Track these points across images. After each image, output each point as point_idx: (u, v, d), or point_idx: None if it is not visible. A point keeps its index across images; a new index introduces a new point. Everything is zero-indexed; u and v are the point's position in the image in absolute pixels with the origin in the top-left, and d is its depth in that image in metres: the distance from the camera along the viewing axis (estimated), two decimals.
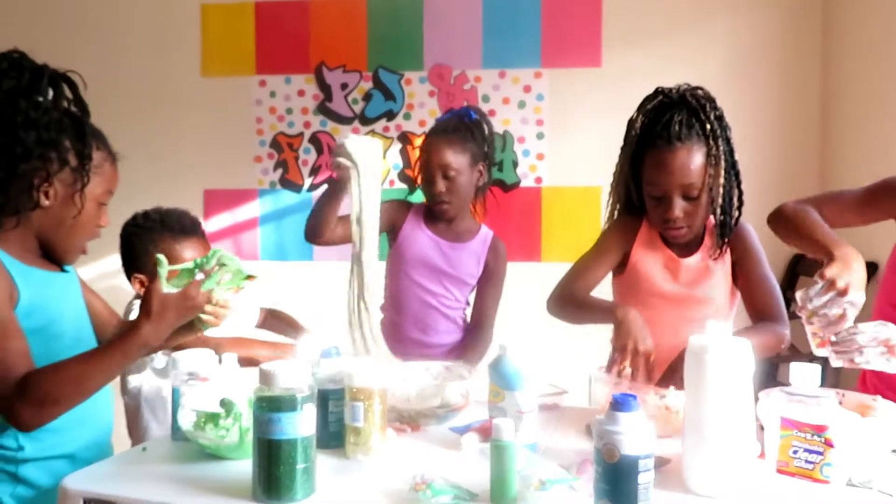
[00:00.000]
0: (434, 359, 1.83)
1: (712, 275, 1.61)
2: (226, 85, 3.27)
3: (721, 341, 1.08)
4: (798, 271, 2.94)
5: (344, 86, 3.20)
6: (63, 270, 1.42)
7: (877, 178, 1.67)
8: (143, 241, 1.78)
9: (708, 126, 1.52)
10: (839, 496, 1.08)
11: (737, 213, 1.59)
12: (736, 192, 1.57)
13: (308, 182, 3.23)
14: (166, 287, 1.26)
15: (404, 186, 3.18)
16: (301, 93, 3.22)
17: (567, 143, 3.11)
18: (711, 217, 1.59)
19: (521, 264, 3.12)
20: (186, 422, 1.26)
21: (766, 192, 3.02)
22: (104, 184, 1.36)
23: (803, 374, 1.17)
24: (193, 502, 1.08)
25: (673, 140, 1.51)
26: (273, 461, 1.04)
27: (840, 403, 1.34)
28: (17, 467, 1.29)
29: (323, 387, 1.28)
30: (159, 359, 1.95)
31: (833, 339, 1.29)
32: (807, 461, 1.11)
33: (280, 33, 3.22)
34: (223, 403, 1.25)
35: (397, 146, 3.18)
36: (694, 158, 1.51)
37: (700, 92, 1.56)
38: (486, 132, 1.96)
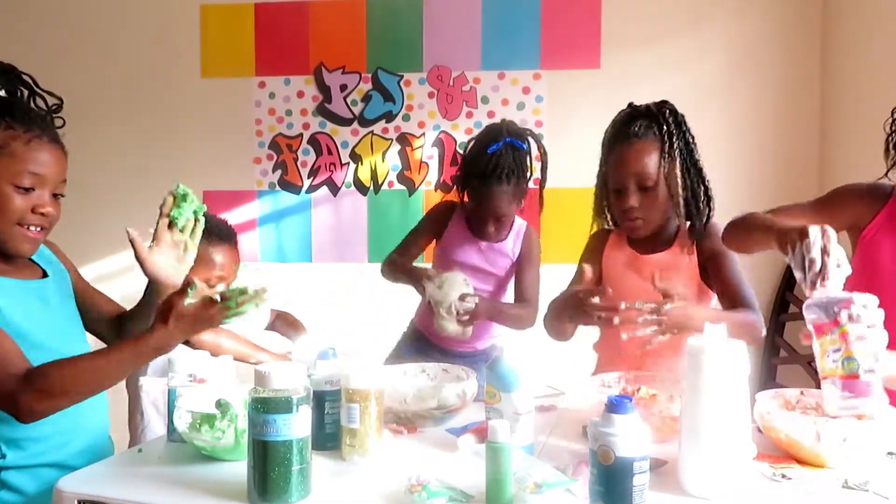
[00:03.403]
0: (474, 352, 2.10)
1: (678, 272, 1.66)
2: (225, 86, 3.27)
3: (717, 343, 1.08)
4: None
5: (343, 87, 3.20)
6: (45, 275, 1.41)
7: (876, 179, 1.67)
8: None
9: (665, 127, 1.64)
10: (836, 498, 1.08)
11: (706, 211, 1.67)
12: (701, 190, 1.67)
13: (307, 183, 3.23)
14: (187, 301, 1.26)
15: (403, 188, 3.18)
16: (300, 94, 3.22)
17: (566, 144, 3.10)
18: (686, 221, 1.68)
19: None
20: (182, 423, 1.26)
21: (765, 193, 3.03)
22: (13, 164, 1.25)
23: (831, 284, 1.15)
24: None
25: (631, 137, 1.65)
26: (268, 463, 1.04)
27: None
28: (0, 473, 1.28)
29: (319, 388, 1.28)
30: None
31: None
32: (833, 361, 1.11)
33: (279, 35, 3.22)
34: (219, 405, 1.25)
35: (396, 147, 3.18)
36: (648, 152, 1.63)
37: (664, 104, 1.69)
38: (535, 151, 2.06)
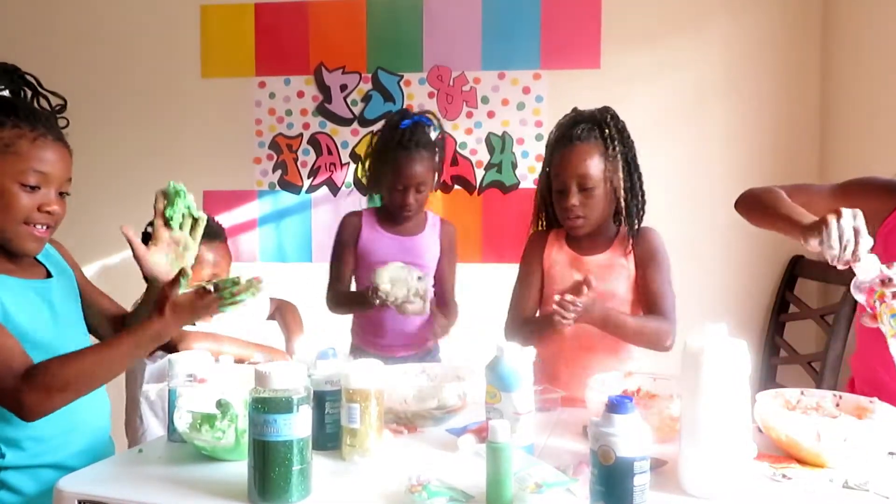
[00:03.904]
0: (415, 346, 2.14)
1: (616, 272, 1.76)
2: (225, 86, 3.26)
3: (717, 343, 1.08)
4: (797, 273, 2.94)
5: (343, 87, 3.20)
6: (49, 276, 1.41)
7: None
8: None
9: (607, 131, 1.72)
10: (836, 498, 1.08)
11: (641, 215, 1.77)
12: (639, 195, 1.77)
13: (307, 183, 3.23)
14: (182, 291, 1.27)
15: None
16: (300, 94, 3.22)
17: None
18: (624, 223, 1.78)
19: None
20: (182, 423, 1.26)
21: None
22: (19, 163, 1.26)
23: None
24: None
25: (574, 140, 1.73)
26: (268, 463, 1.04)
27: (837, 406, 1.35)
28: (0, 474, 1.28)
29: (319, 388, 1.28)
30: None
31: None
32: (890, 325, 1.20)
33: (279, 35, 3.22)
34: (219, 405, 1.25)
35: None
36: (591, 154, 1.71)
37: (606, 110, 1.77)
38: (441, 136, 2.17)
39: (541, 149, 3.09)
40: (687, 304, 3.05)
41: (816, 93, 2.98)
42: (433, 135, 2.11)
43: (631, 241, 1.77)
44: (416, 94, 3.15)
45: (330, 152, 3.21)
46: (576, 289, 1.58)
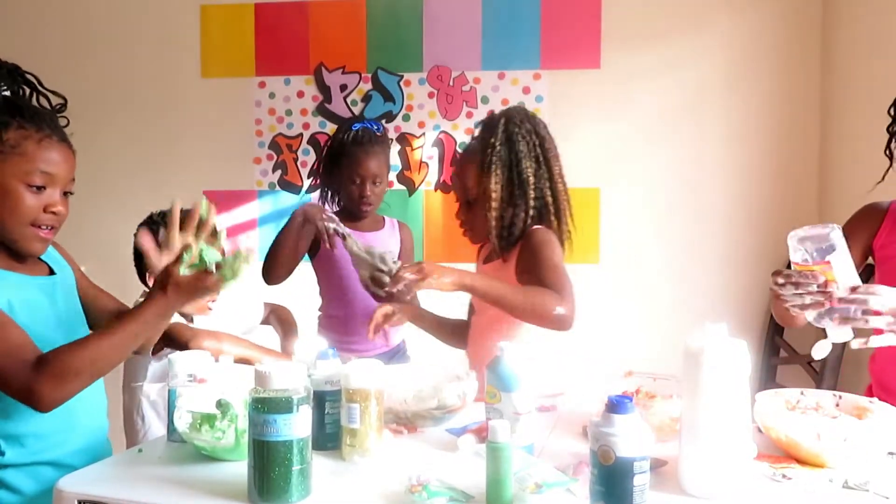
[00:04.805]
0: (383, 346, 2.18)
1: (503, 278, 1.64)
2: (225, 86, 3.26)
3: (717, 343, 1.08)
4: None
5: (343, 87, 3.20)
6: (52, 273, 1.41)
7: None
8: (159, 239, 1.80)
9: (492, 139, 1.67)
10: (836, 498, 1.08)
11: (522, 216, 1.67)
12: (522, 202, 1.67)
13: (307, 183, 3.23)
14: (183, 271, 1.26)
15: (403, 188, 3.18)
16: (300, 94, 3.22)
17: (566, 144, 3.05)
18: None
19: None
20: (182, 423, 1.26)
21: (765, 193, 3.03)
22: (25, 164, 1.26)
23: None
24: None
25: (463, 151, 1.75)
26: (268, 463, 1.04)
27: (837, 406, 1.35)
28: None
29: (319, 388, 1.28)
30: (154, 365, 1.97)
31: (841, 295, 1.26)
32: None
33: (279, 35, 3.22)
34: (219, 405, 1.25)
35: (396, 147, 3.17)
36: (468, 167, 1.70)
37: (511, 111, 1.73)
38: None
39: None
40: (687, 304, 3.08)
41: (816, 93, 2.98)
42: (384, 136, 2.25)
43: (518, 247, 1.68)
44: (416, 94, 3.15)
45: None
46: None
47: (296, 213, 2.00)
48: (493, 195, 1.65)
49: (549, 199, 1.71)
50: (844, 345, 1.34)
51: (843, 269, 1.27)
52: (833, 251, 1.26)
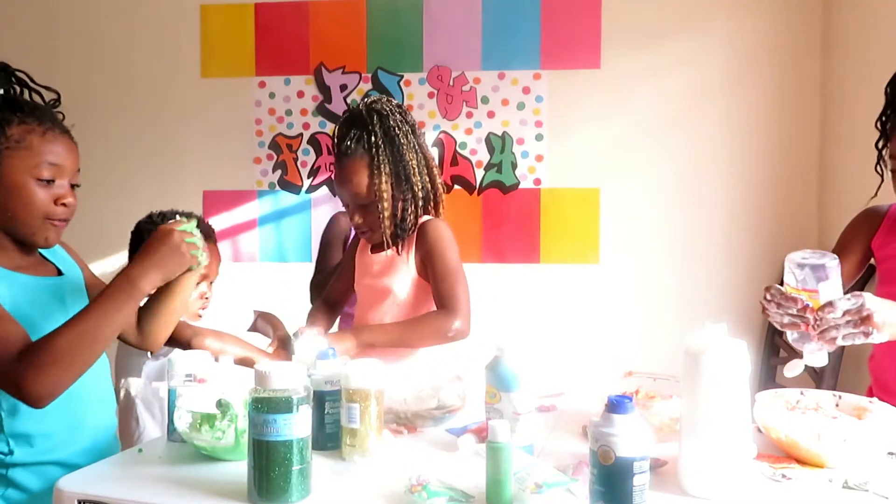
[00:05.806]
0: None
1: (395, 269, 1.73)
2: (225, 86, 3.27)
3: (717, 343, 1.08)
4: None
5: (343, 87, 3.20)
6: (59, 274, 1.41)
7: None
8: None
9: (373, 138, 1.65)
10: (836, 498, 1.08)
11: (412, 209, 1.69)
12: (410, 195, 1.69)
13: (307, 183, 3.23)
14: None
15: None
16: (300, 94, 3.22)
17: (566, 144, 3.11)
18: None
19: (519, 266, 3.12)
20: (182, 423, 1.26)
21: (765, 192, 3.03)
22: (32, 157, 1.27)
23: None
24: None
25: (342, 156, 1.68)
26: (268, 463, 1.04)
27: (837, 406, 1.35)
28: (6, 471, 1.28)
29: (319, 388, 1.28)
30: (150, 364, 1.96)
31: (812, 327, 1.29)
32: None
33: (279, 34, 3.22)
34: (219, 405, 1.25)
35: None
36: (358, 171, 1.66)
37: (378, 105, 1.68)
38: None
39: (541, 149, 3.11)
40: (687, 304, 3.09)
41: (816, 93, 2.98)
42: None
43: (415, 239, 1.71)
44: (416, 94, 3.16)
45: (330, 152, 3.21)
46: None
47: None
48: (385, 194, 1.66)
49: (429, 187, 1.74)
50: (844, 345, 1.34)
51: (829, 299, 1.28)
52: (825, 280, 1.27)
